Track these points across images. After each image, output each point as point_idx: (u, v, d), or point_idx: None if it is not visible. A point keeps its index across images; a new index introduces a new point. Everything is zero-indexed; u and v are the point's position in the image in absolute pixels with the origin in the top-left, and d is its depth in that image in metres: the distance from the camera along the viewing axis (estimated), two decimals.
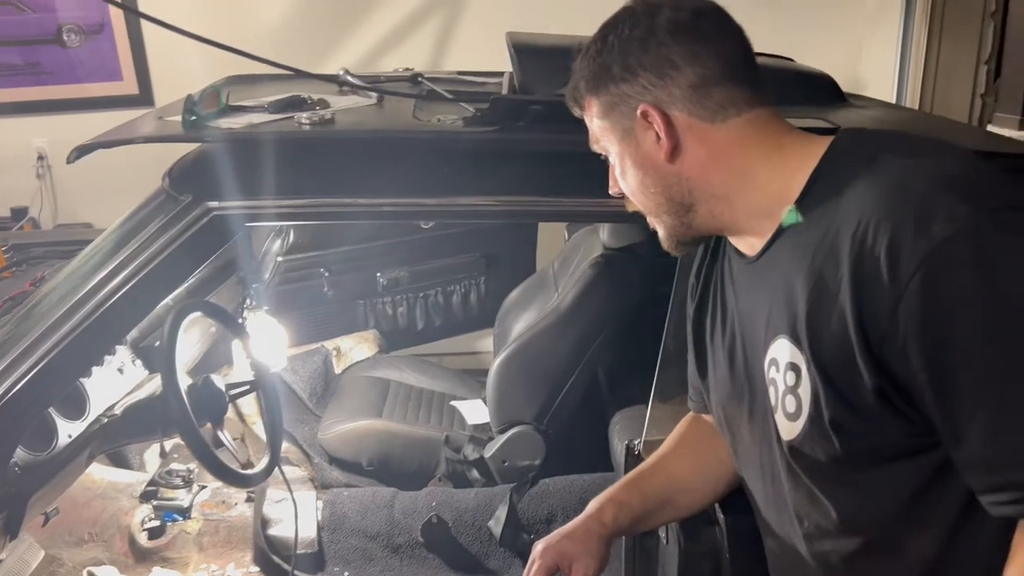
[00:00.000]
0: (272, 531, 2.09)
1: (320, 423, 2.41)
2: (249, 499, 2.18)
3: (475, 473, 2.23)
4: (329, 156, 1.25)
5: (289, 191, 1.24)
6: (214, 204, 1.27)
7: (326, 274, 2.86)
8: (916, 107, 3.10)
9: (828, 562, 0.94)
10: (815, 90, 1.55)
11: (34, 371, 1.29)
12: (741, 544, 1.10)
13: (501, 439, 2.19)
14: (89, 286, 1.31)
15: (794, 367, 0.87)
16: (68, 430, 1.56)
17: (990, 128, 2.91)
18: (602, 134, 0.96)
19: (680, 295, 1.35)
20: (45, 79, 3.66)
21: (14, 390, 1.28)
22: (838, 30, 3.50)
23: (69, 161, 1.25)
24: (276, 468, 1.81)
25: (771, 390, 0.92)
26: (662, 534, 1.25)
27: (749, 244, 0.95)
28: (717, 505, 1.15)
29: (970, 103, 3.06)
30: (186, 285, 1.99)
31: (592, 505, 1.12)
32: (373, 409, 2.39)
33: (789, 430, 0.90)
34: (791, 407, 0.89)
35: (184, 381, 1.62)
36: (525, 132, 1.23)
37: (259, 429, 2.42)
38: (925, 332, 0.75)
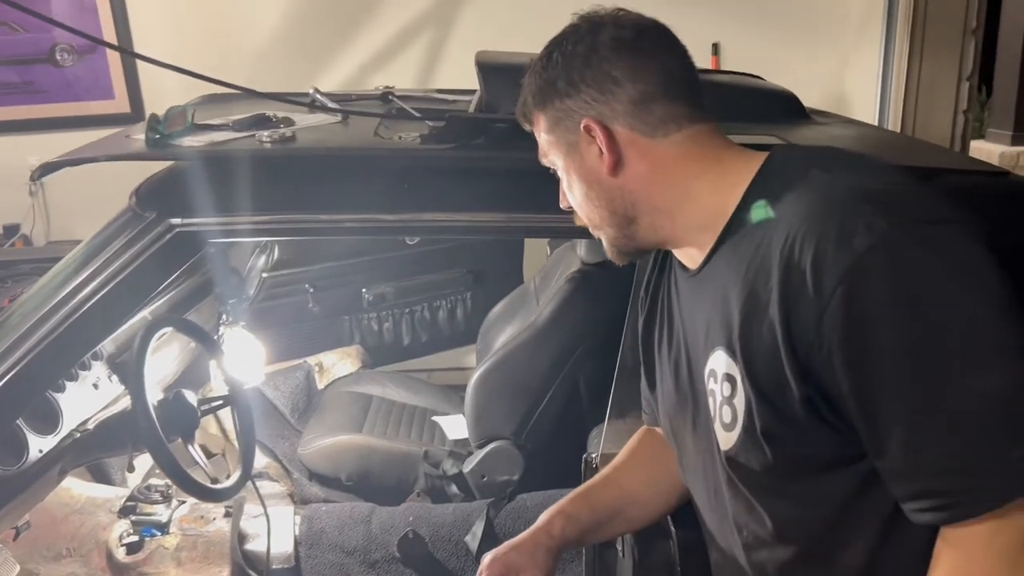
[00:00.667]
0: (249, 546, 2.09)
1: (301, 438, 2.42)
2: (227, 514, 2.19)
3: (454, 488, 2.24)
4: (289, 173, 1.27)
5: (249, 208, 1.26)
6: (176, 221, 1.28)
7: (311, 290, 2.88)
8: (899, 123, 3.13)
9: (765, 572, 0.95)
10: (777, 107, 1.57)
11: (2, 384, 1.30)
12: (692, 557, 1.10)
13: (480, 454, 2.20)
14: (55, 300, 1.32)
15: (730, 378, 0.88)
16: (39, 445, 1.57)
17: (982, 143, 2.94)
18: (549, 148, 0.98)
19: (634, 310, 1.37)
20: (39, 97, 3.71)
21: None
22: (824, 47, 3.54)
23: (33, 178, 1.28)
24: (249, 483, 1.82)
25: (710, 401, 0.94)
26: (619, 547, 1.26)
27: (691, 257, 0.97)
28: (670, 518, 1.16)
29: (952, 119, 3.08)
30: (165, 301, 2.02)
31: (542, 517, 1.13)
32: (354, 424, 2.40)
33: (726, 440, 0.91)
34: (727, 417, 0.90)
35: (156, 396, 1.64)
36: (481, 150, 1.25)
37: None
38: (847, 344, 0.77)
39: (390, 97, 1.70)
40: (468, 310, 3.06)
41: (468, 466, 2.20)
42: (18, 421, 1.52)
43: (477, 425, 2.20)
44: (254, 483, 1.83)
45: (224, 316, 2.05)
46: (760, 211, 0.86)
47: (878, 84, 3.18)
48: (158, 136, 1.28)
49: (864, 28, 3.32)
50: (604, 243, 1.00)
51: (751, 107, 1.52)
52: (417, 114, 1.49)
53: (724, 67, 3.61)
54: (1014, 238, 1.16)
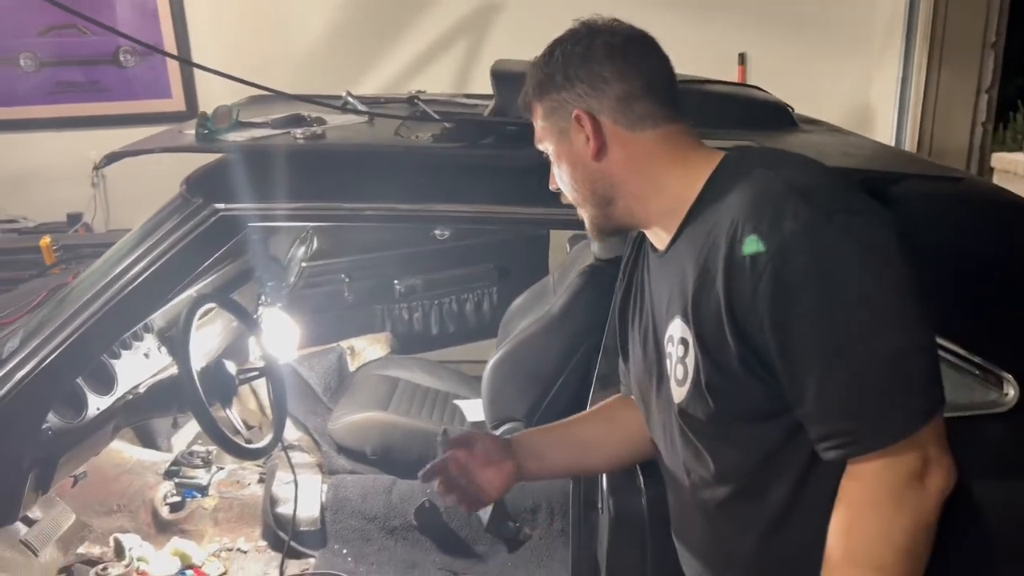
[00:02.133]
0: (279, 509, 2.28)
1: (331, 415, 2.61)
2: (261, 480, 2.39)
3: None
4: (318, 166, 1.45)
5: (283, 196, 1.44)
6: (220, 206, 1.47)
7: (346, 279, 3.07)
8: (916, 134, 3.20)
9: (706, 509, 1.11)
10: (768, 116, 1.70)
11: (63, 347, 1.50)
12: (659, 509, 1.25)
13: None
14: (112, 275, 1.52)
15: (684, 341, 1.04)
16: (97, 403, 1.77)
17: (1010, 156, 2.99)
18: (544, 134, 1.13)
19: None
20: (102, 96, 3.97)
21: (45, 363, 1.49)
22: (850, 58, 3.61)
23: (98, 167, 1.50)
24: (281, 452, 2.01)
25: (667, 362, 1.10)
26: (600, 505, 1.41)
27: (660, 239, 1.12)
28: (640, 475, 1.31)
29: (970, 131, 3.14)
30: (211, 282, 2.22)
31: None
32: (380, 403, 2.58)
33: (679, 394, 1.07)
34: (680, 375, 1.06)
35: (199, 364, 1.83)
36: (489, 149, 1.41)
37: None
38: (774, 309, 0.93)
39: (415, 100, 1.87)
40: (494, 303, 3.22)
41: None
42: (79, 381, 1.73)
43: (492, 407, 2.35)
44: (286, 452, 2.01)
45: (263, 298, 2.24)
46: (713, 200, 1.02)
47: (896, 96, 3.26)
48: (206, 131, 1.46)
49: (888, 40, 3.40)
50: (585, 222, 1.16)
51: (745, 116, 1.66)
52: (436, 116, 1.66)
53: (751, 77, 3.72)
54: (965, 237, 1.29)
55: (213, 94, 3.83)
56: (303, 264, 2.98)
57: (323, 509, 2.30)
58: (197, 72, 3.89)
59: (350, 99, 1.79)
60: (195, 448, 2.42)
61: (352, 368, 2.93)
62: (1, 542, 2.02)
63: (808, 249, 0.90)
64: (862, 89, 3.65)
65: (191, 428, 2.54)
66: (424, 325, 3.19)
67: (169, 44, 3.85)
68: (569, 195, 1.15)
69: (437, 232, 3.10)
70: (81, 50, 3.90)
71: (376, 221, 1.45)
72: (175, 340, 1.73)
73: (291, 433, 2.62)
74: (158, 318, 2.02)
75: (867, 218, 0.94)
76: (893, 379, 0.91)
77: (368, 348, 2.97)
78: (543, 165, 1.18)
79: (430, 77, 3.79)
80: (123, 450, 2.38)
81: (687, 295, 1.02)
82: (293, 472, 2.10)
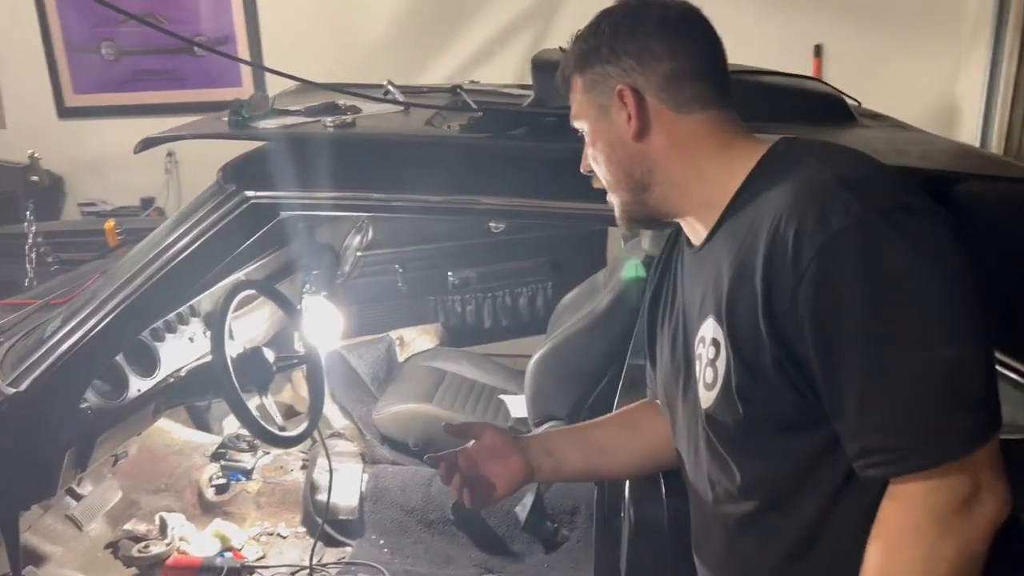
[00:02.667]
0: (320, 496, 2.29)
1: (376, 404, 2.61)
2: (304, 466, 2.40)
3: None
4: (344, 154, 1.43)
5: (311, 184, 1.43)
6: (251, 194, 1.47)
7: (400, 270, 3.08)
8: (1004, 131, 3.00)
9: (729, 524, 1.04)
10: (824, 109, 1.60)
11: (99, 327, 1.53)
12: (682, 522, 1.19)
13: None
14: (148, 259, 1.54)
15: (716, 342, 0.97)
16: (138, 385, 1.80)
17: None
18: (581, 110, 1.07)
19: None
20: (178, 84, 4.09)
21: (83, 342, 1.52)
22: (935, 51, 3.42)
23: (136, 151, 1.48)
24: (316, 435, 2.01)
25: (696, 364, 1.03)
26: (622, 513, 1.35)
27: (696, 233, 1.05)
28: (663, 485, 1.25)
29: None
30: (259, 268, 2.24)
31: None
32: (425, 395, 2.57)
33: (707, 399, 1.00)
34: (709, 378, 0.99)
35: (236, 350, 1.84)
36: (515, 140, 1.36)
37: (326, 406, 2.65)
38: (816, 312, 0.85)
39: (457, 90, 1.84)
40: (548, 298, 3.18)
41: None
42: (122, 363, 1.77)
43: (534, 404, 2.31)
44: (323, 441, 2.01)
45: (307, 286, 2.25)
46: (755, 193, 0.94)
47: (984, 91, 3.06)
48: (239, 119, 1.46)
49: (976, 31, 3.20)
50: (616, 209, 1.09)
51: (794, 107, 1.57)
52: (474, 106, 1.62)
53: (827, 70, 3.56)
54: None
55: (281, 82, 3.92)
56: (358, 253, 3.00)
57: (363, 499, 2.30)
58: (266, 61, 3.96)
59: (391, 88, 1.77)
60: (242, 432, 2.45)
61: (401, 358, 2.93)
62: (52, 514, 2.09)
63: (857, 248, 0.83)
64: (947, 84, 3.45)
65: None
66: (476, 318, 3.17)
67: (240, 33, 3.94)
68: (602, 177, 1.08)
69: (492, 225, 3.07)
70: (159, 39, 4.01)
71: (403, 212, 1.43)
72: (212, 324, 1.74)
73: (337, 421, 2.64)
74: (204, 302, 2.05)
75: (924, 218, 0.86)
76: (946, 394, 0.82)
77: (417, 339, 2.97)
78: (574, 158, 1.13)
79: (493, 67, 3.77)
80: (173, 431, 2.44)
81: (722, 293, 0.95)
82: (328, 461, 2.10)
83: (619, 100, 1.00)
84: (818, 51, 3.55)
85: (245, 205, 1.48)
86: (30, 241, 2.43)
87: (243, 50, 3.96)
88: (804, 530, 0.96)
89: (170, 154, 4.07)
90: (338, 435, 2.51)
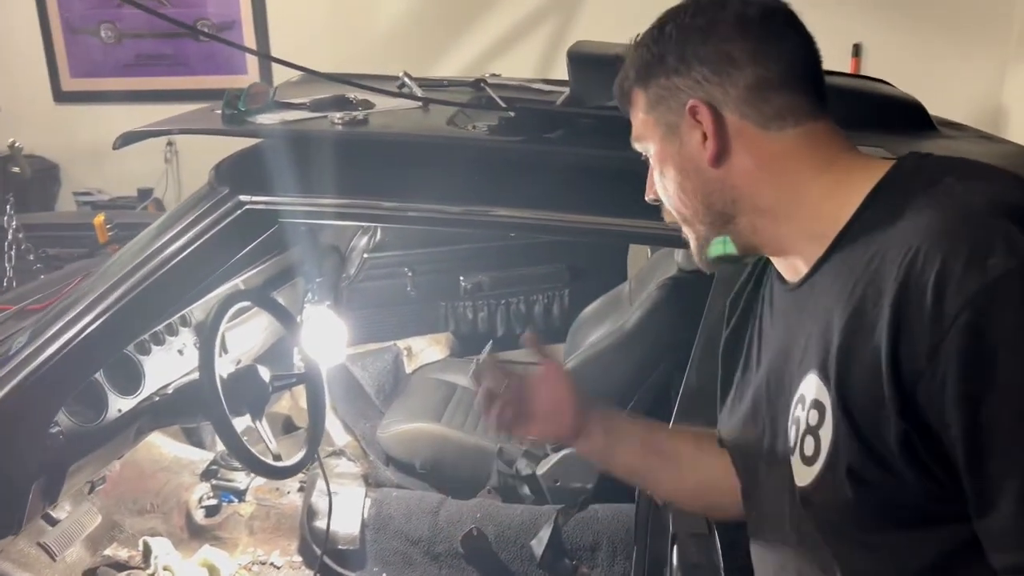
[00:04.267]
0: (317, 523, 2.11)
1: (381, 420, 2.43)
2: (301, 488, 2.22)
3: (526, 489, 2.18)
4: (354, 156, 1.24)
5: (314, 189, 1.24)
6: (246, 198, 1.28)
7: (409, 273, 2.89)
8: None
9: None
10: (901, 116, 1.41)
11: (73, 344, 1.35)
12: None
13: (555, 457, 2.13)
14: (130, 268, 1.36)
15: (819, 405, 0.78)
16: (119, 404, 1.62)
17: None
18: (645, 130, 0.88)
19: (710, 323, 1.26)
20: (180, 70, 3.90)
21: (52, 361, 1.34)
22: (981, 51, 3.24)
23: (115, 147, 1.30)
24: (317, 462, 1.83)
25: (792, 429, 0.83)
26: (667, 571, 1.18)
27: (793, 268, 0.86)
28: (721, 559, 1.06)
29: None
30: (258, 274, 2.06)
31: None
32: (434, 412, 2.38)
33: (804, 475, 0.81)
34: (809, 449, 0.79)
35: (228, 368, 1.66)
36: (556, 144, 1.17)
37: (328, 421, 2.47)
38: (965, 379, 0.65)
39: (483, 84, 1.65)
40: (565, 306, 2.99)
41: (542, 468, 2.14)
42: (101, 380, 1.59)
43: None
44: (322, 464, 1.83)
45: (309, 294, 2.07)
46: (878, 221, 0.75)
47: None
48: (233, 112, 1.27)
49: None
50: (692, 244, 0.90)
51: (874, 115, 1.37)
52: (502, 103, 1.43)
53: (865, 71, 3.37)
54: None
55: (291, 71, 3.74)
56: (365, 256, 2.82)
57: (364, 526, 2.12)
58: (273, 48, 3.78)
59: (407, 81, 1.58)
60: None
61: (408, 370, 2.74)
62: (25, 539, 1.91)
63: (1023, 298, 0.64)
64: (993, 87, 3.27)
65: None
66: (489, 325, 2.98)
67: (246, 17, 3.75)
68: (673, 209, 0.89)
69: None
70: (160, 22, 3.81)
71: (418, 224, 1.24)
72: (201, 338, 1.55)
73: (340, 438, 2.46)
74: (197, 311, 1.87)
75: None
76: None
77: (427, 349, 2.78)
78: (623, 167, 0.94)
79: (515, 60, 3.58)
80: (162, 445, 2.25)
81: (830, 345, 0.75)
82: (327, 485, 1.92)
83: (691, 117, 0.82)
84: (856, 50, 3.35)
85: (240, 211, 1.30)
86: (9, 237, 2.25)
87: (249, 36, 3.77)
88: None
89: (170, 143, 3.89)
90: (339, 454, 2.33)
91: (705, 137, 0.82)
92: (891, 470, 0.71)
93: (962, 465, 0.68)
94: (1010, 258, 0.64)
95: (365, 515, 2.13)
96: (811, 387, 0.78)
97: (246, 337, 2.03)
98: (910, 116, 1.43)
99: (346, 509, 2.13)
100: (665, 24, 0.84)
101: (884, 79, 1.72)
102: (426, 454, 2.27)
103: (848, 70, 3.35)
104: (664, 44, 0.83)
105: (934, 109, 1.80)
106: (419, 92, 1.50)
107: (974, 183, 0.72)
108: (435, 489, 2.25)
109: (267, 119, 1.30)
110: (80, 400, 1.54)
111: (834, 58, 3.25)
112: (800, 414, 0.80)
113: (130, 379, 1.67)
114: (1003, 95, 3.24)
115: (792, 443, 0.82)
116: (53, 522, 1.90)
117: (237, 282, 1.98)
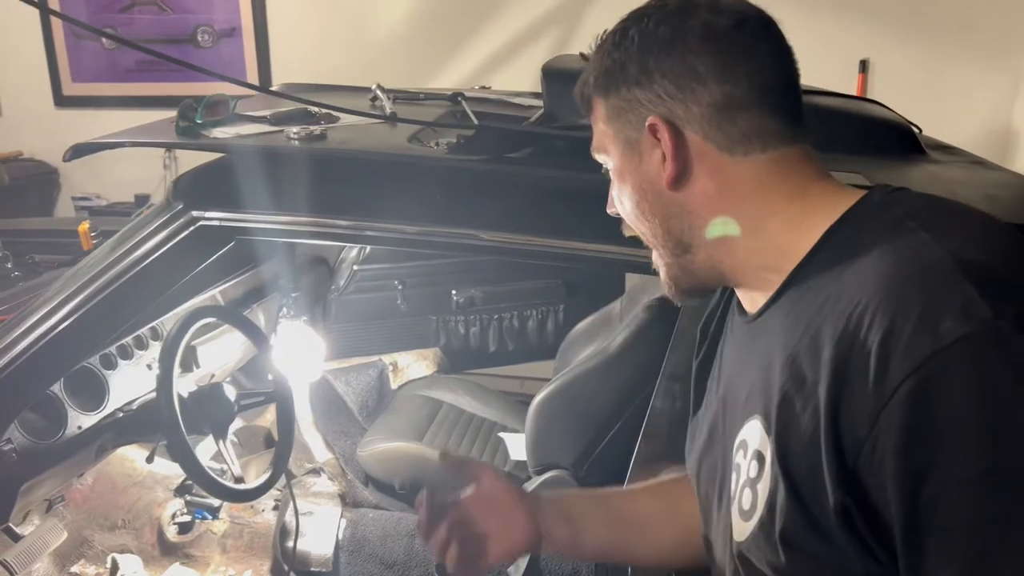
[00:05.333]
0: (290, 543, 2.06)
1: (362, 438, 2.38)
2: (276, 507, 2.17)
3: None
4: (311, 173, 1.19)
5: (267, 206, 1.19)
6: (198, 214, 1.23)
7: (400, 287, 2.84)
8: None
9: None
10: (888, 139, 1.34)
11: (21, 359, 1.30)
12: None
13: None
14: (85, 280, 1.31)
15: (760, 457, 0.72)
16: (79, 421, 1.57)
17: None
18: (605, 141, 0.82)
19: (677, 348, 1.20)
20: (181, 76, 3.88)
21: (3, 373, 1.30)
22: (989, 70, 3.16)
23: (65, 159, 1.26)
24: (284, 483, 1.77)
25: (733, 477, 0.77)
26: None
27: (752, 300, 0.80)
28: None
29: None
30: (237, 285, 2.01)
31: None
32: (416, 431, 2.33)
33: (740, 530, 0.75)
34: (747, 503, 0.73)
35: (189, 386, 1.61)
36: (513, 164, 1.12)
37: (309, 437, 2.42)
38: (905, 454, 0.59)
39: (459, 99, 1.60)
40: (559, 323, 2.93)
41: None
42: (61, 395, 1.54)
43: (536, 450, 2.07)
44: (290, 485, 1.78)
45: (284, 310, 2.02)
46: (834, 261, 0.69)
47: None
48: (185, 124, 1.23)
49: None
50: (661, 275, 0.84)
51: (851, 136, 1.31)
52: (475, 119, 1.38)
53: (873, 87, 3.30)
54: None
55: (288, 77, 3.70)
56: (354, 268, 2.77)
57: (338, 548, 2.06)
58: (273, 56, 3.76)
59: (379, 93, 1.53)
60: (210, 463, 2.22)
61: (394, 386, 2.69)
62: None
63: (976, 370, 0.57)
64: (1004, 107, 3.18)
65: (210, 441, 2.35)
66: (481, 341, 2.92)
67: (247, 25, 3.73)
68: (636, 229, 0.83)
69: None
70: (160, 28, 3.81)
71: (375, 243, 1.19)
72: (161, 354, 1.51)
73: (320, 454, 2.40)
74: (169, 324, 1.82)
75: None
76: None
77: (413, 365, 2.72)
78: (590, 189, 0.88)
79: (512, 72, 3.53)
80: (136, 460, 2.20)
81: (772, 395, 0.70)
82: (295, 505, 1.87)
83: (651, 135, 0.75)
84: (863, 66, 3.28)
85: (194, 227, 1.25)
86: None
87: (249, 44, 3.75)
88: None
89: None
90: (318, 472, 2.27)
91: (664, 157, 0.75)
92: (827, 540, 0.65)
93: (899, 547, 0.61)
94: (965, 324, 0.58)
95: (339, 536, 2.08)
96: (755, 434, 0.72)
97: (221, 352, 1.98)
98: (898, 139, 1.36)
99: (320, 530, 2.08)
100: (629, 28, 0.77)
101: (881, 100, 1.65)
102: (406, 474, 2.22)
103: (855, 86, 3.28)
104: (626, 51, 0.76)
105: (942, 126, 1.73)
106: (389, 105, 1.45)
107: (939, 233, 0.65)
108: (413, 511, 2.19)
109: (223, 132, 1.26)
110: (37, 414, 1.50)
111: (840, 74, 3.22)
112: (741, 462, 0.75)
113: (93, 394, 1.62)
114: (1015, 112, 3.16)
115: (732, 492, 0.76)
116: (17, 538, 1.85)
117: (215, 293, 1.94)
